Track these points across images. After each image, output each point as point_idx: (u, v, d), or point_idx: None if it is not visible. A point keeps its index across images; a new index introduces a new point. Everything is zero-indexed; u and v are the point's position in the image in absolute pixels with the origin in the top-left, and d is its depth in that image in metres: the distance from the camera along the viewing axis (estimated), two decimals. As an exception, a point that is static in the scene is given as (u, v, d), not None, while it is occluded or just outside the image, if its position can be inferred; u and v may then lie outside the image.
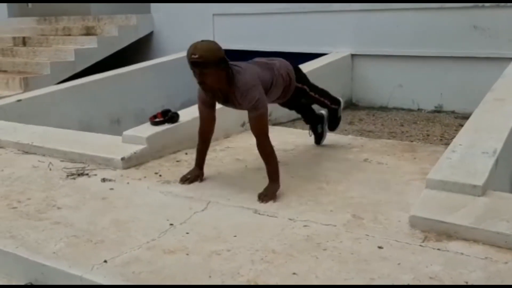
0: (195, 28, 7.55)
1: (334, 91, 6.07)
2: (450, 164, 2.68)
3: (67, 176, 3.22)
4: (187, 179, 3.08)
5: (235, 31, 7.20)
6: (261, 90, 2.86)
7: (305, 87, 3.46)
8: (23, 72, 6.84)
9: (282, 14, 6.76)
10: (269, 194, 2.72)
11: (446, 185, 2.49)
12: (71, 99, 5.64)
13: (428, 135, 4.55)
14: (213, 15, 7.33)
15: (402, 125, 5.11)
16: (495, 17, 5.40)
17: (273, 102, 3.29)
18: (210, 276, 1.94)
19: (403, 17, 5.94)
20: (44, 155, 3.68)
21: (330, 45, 6.44)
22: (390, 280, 1.90)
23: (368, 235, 2.28)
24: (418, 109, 6.00)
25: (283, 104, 3.62)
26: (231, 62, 2.81)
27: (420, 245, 2.16)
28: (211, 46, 2.65)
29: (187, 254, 2.13)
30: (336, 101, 3.88)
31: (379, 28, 6.10)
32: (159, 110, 3.95)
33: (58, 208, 2.69)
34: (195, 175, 3.12)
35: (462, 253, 2.08)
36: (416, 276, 1.91)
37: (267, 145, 2.82)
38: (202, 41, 2.68)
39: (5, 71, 7.07)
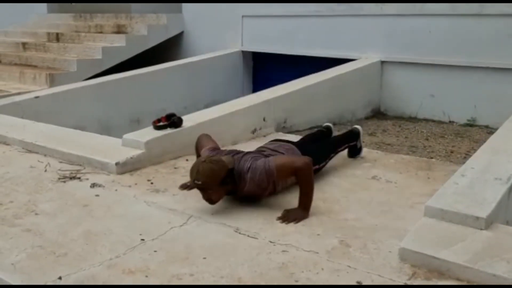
0: (224, 29, 7.46)
1: (362, 99, 5.90)
2: (456, 191, 2.41)
3: (59, 179, 3.15)
4: (187, 187, 2.98)
5: (263, 33, 7.05)
6: (260, 158, 2.71)
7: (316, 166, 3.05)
8: (51, 68, 6.92)
9: (311, 17, 6.55)
10: (290, 217, 2.53)
11: (446, 214, 2.23)
12: (91, 97, 5.62)
13: (452, 152, 4.23)
14: (242, 16, 7.21)
15: (427, 139, 4.80)
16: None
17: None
18: (161, 305, 1.78)
19: (436, 23, 5.63)
20: (45, 155, 3.63)
21: (359, 50, 6.19)
22: (359, 324, 1.68)
23: (349, 267, 2.06)
24: (450, 122, 5.66)
25: None
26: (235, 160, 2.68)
27: (405, 284, 1.93)
28: (213, 169, 2.50)
29: (146, 276, 1.97)
30: (352, 136, 3.63)
31: (411, 34, 5.80)
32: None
33: (36, 214, 2.60)
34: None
35: (450, 297, 1.83)
36: (389, 322, 1.68)
37: (306, 176, 2.61)
38: (204, 161, 2.54)
39: (35, 66, 7.18)
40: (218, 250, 2.19)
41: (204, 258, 2.12)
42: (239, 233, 2.38)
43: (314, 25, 6.54)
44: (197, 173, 2.49)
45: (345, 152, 3.62)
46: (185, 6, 7.92)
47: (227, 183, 2.57)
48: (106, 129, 5.43)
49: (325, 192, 2.94)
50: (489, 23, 5.29)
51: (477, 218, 2.16)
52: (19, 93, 5.65)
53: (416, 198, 2.89)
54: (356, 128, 3.72)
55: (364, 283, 1.93)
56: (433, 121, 5.69)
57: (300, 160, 2.70)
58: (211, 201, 2.59)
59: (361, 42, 6.16)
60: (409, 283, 1.93)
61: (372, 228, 2.45)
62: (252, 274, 1.99)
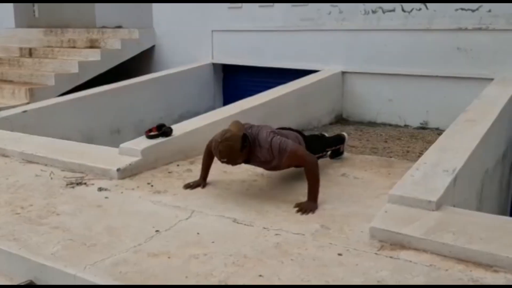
0: (195, 43, 7.90)
1: (326, 106, 6.47)
2: (413, 181, 2.96)
3: (67, 185, 3.52)
4: (189, 186, 3.44)
5: (233, 46, 7.53)
6: (280, 136, 3.21)
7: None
8: (28, 83, 7.18)
9: (278, 31, 7.08)
10: (306, 208, 3.00)
11: (405, 200, 2.77)
12: (73, 110, 5.95)
13: (408, 152, 4.84)
14: (212, 31, 7.67)
15: (386, 141, 5.40)
16: (478, 40, 5.70)
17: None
18: (186, 277, 2.23)
19: (391, 37, 6.24)
20: (46, 165, 3.98)
21: (322, 62, 6.75)
22: (343, 282, 2.17)
23: (331, 244, 2.56)
24: (405, 125, 6.29)
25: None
26: (247, 128, 3.17)
27: (375, 253, 2.44)
28: (230, 145, 2.96)
29: (169, 257, 2.41)
30: (340, 140, 4.20)
31: (369, 47, 6.41)
32: (156, 123, 4.24)
33: (57, 214, 2.98)
34: (197, 184, 3.47)
35: (410, 261, 2.36)
36: (365, 280, 2.19)
37: (313, 171, 3.13)
38: (221, 141, 2.96)
39: (11, 81, 7.41)
40: (223, 236, 2.65)
41: (213, 242, 2.58)
42: (237, 222, 2.85)
43: (280, 39, 7.08)
44: (220, 153, 2.97)
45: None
46: (156, 20, 8.31)
47: (245, 147, 3.05)
48: (89, 140, 5.74)
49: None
50: (438, 37, 5.95)
51: (429, 201, 2.70)
52: (0, 108, 5.91)
53: (380, 190, 3.42)
54: (343, 134, 4.32)
55: (343, 255, 2.43)
56: (390, 125, 6.32)
57: (310, 156, 3.21)
58: (238, 164, 3.12)
59: (324, 55, 6.74)
60: (378, 252, 2.44)
61: (346, 215, 2.96)
62: (254, 252, 2.46)
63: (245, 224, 2.82)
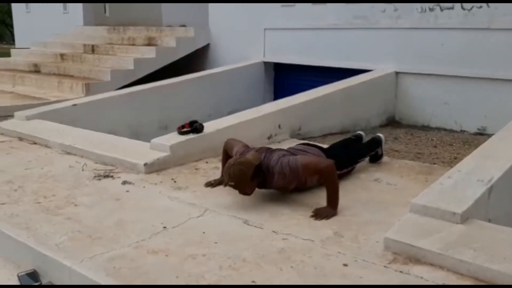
0: (247, 41, 7.87)
1: (376, 108, 6.19)
2: (440, 190, 2.72)
3: (94, 177, 3.58)
4: (211, 184, 3.39)
5: (284, 45, 7.42)
6: (288, 153, 3.10)
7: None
8: (87, 78, 7.47)
9: (331, 29, 6.88)
10: (321, 214, 2.85)
11: (428, 210, 2.54)
12: (123, 105, 6.10)
13: (455, 159, 4.49)
14: (265, 29, 7.60)
15: (435, 147, 5.07)
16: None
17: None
18: (177, 277, 2.16)
19: (449, 37, 5.87)
20: (82, 157, 4.08)
21: (375, 62, 6.48)
22: (340, 296, 2.02)
23: (339, 253, 2.40)
24: (461, 131, 5.89)
25: None
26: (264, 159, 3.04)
27: (385, 266, 2.25)
28: (241, 170, 2.86)
29: (167, 256, 2.36)
30: (375, 144, 3.97)
31: (424, 46, 6.06)
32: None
33: (75, 205, 3.03)
34: (219, 182, 3.39)
35: (421, 277, 2.15)
36: (364, 295, 2.02)
37: (331, 178, 2.96)
38: (233, 164, 2.89)
39: (72, 76, 7.75)
40: (228, 237, 2.56)
41: (216, 242, 2.49)
42: (248, 224, 2.75)
43: (332, 37, 6.88)
44: (229, 176, 2.88)
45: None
46: (211, 19, 8.37)
47: (257, 176, 2.93)
48: (136, 135, 5.87)
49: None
50: (499, 36, 5.52)
51: (454, 213, 2.46)
52: (57, 101, 6.18)
53: (411, 198, 3.12)
54: (378, 136, 4.07)
55: (349, 265, 2.26)
56: (445, 129, 5.94)
57: (324, 161, 3.04)
58: (247, 194, 2.98)
59: (377, 54, 6.46)
60: (388, 266, 2.25)
61: (365, 223, 2.77)
62: (254, 256, 2.35)
63: (255, 226, 2.71)
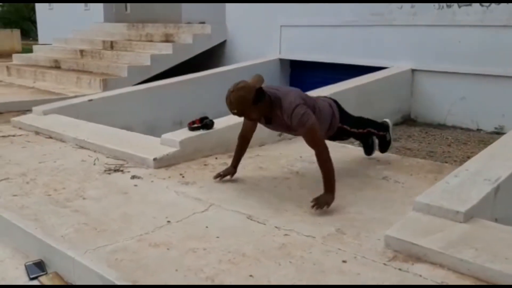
0: (264, 38, 7.89)
1: (391, 105, 6.14)
2: (445, 189, 2.69)
3: (105, 171, 3.64)
4: (219, 176, 3.40)
5: (300, 42, 7.42)
6: (306, 107, 2.98)
7: (346, 126, 3.46)
8: (105, 74, 7.58)
9: (346, 26, 6.86)
10: (321, 201, 2.83)
11: (431, 209, 2.52)
12: (138, 100, 6.18)
13: (468, 157, 4.42)
14: (281, 26, 7.60)
15: (449, 145, 5.01)
16: None
17: None
18: (176, 270, 2.19)
19: (466, 34, 5.79)
20: (94, 151, 4.15)
21: (391, 59, 6.44)
22: (336, 292, 2.02)
23: (340, 249, 2.39)
24: (477, 129, 5.82)
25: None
26: (271, 88, 3.02)
27: (384, 264, 2.24)
28: (241, 95, 2.80)
29: (168, 249, 2.39)
30: (383, 127, 3.85)
31: (441, 44, 6.00)
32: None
33: (84, 198, 3.08)
34: (227, 172, 3.42)
35: (420, 275, 2.13)
36: (361, 292, 2.01)
37: (324, 157, 2.92)
38: (233, 90, 2.83)
39: (90, 72, 7.87)
40: (230, 232, 2.58)
41: (217, 237, 2.51)
42: (251, 219, 2.76)
43: (348, 34, 6.85)
44: (230, 104, 2.81)
45: (362, 154, 3.93)
46: (228, 16, 8.40)
47: (260, 101, 2.85)
48: (151, 130, 5.93)
49: (336, 189, 3.25)
50: (518, 33, 5.43)
51: (457, 212, 2.43)
52: (75, 96, 6.29)
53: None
54: (385, 121, 3.94)
55: (348, 262, 2.26)
56: (461, 128, 5.87)
57: (323, 143, 2.94)
58: (254, 120, 2.95)
59: (393, 51, 6.42)
60: (387, 263, 2.24)
61: (369, 220, 2.76)
62: (255, 251, 2.37)
63: (258, 222, 2.72)
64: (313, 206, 2.83)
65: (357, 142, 4.13)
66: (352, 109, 5.47)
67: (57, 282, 2.37)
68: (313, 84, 6.86)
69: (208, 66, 7.95)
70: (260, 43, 7.92)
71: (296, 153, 4.09)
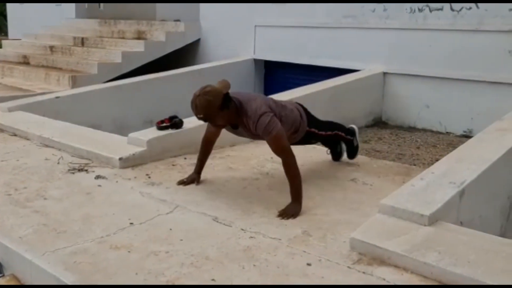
0: (238, 38, 7.83)
1: (363, 108, 6.17)
2: (411, 191, 2.69)
3: (68, 170, 3.54)
4: (183, 182, 3.32)
5: (274, 43, 7.39)
6: (272, 115, 2.93)
7: (313, 129, 3.45)
8: (74, 71, 7.41)
9: (320, 28, 6.86)
10: (288, 212, 2.79)
11: (396, 211, 2.52)
12: (107, 98, 6.05)
13: (437, 160, 4.46)
14: (256, 26, 7.56)
15: (419, 148, 5.06)
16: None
17: None
18: (136, 273, 2.13)
19: (438, 38, 5.85)
20: (59, 149, 4.04)
21: (364, 61, 6.46)
22: (299, 296, 1.99)
23: (305, 252, 2.37)
24: (446, 132, 5.88)
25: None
26: (237, 94, 2.98)
27: (348, 267, 2.23)
28: (207, 100, 2.74)
29: (129, 251, 2.33)
30: (350, 132, 3.85)
31: (413, 47, 6.05)
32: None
33: (45, 198, 2.99)
34: (191, 179, 3.34)
35: (384, 279, 2.13)
36: (323, 295, 1.99)
37: (290, 165, 2.90)
38: (199, 94, 2.76)
39: (60, 69, 7.69)
40: (195, 234, 2.53)
41: (181, 240, 2.46)
42: (217, 221, 2.71)
43: (322, 36, 6.85)
44: (196, 108, 2.75)
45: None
46: (202, 14, 8.33)
47: (226, 107, 2.80)
48: (120, 129, 5.82)
49: (304, 190, 3.23)
50: (488, 38, 5.50)
51: (422, 215, 2.44)
52: (43, 93, 6.13)
53: (385, 199, 3.16)
54: (352, 126, 3.93)
55: (312, 265, 2.24)
56: (431, 131, 5.93)
57: (291, 154, 2.91)
58: (220, 126, 2.93)
59: (366, 54, 6.44)
60: (352, 266, 2.23)
61: (336, 222, 2.75)
62: (219, 254, 2.33)
63: (224, 224, 2.68)
64: (279, 216, 2.78)
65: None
66: (325, 111, 5.52)
67: (14, 284, 2.28)
68: (287, 85, 6.87)
69: (182, 64, 7.85)
70: (235, 42, 7.86)
71: (267, 154, 4.03)
